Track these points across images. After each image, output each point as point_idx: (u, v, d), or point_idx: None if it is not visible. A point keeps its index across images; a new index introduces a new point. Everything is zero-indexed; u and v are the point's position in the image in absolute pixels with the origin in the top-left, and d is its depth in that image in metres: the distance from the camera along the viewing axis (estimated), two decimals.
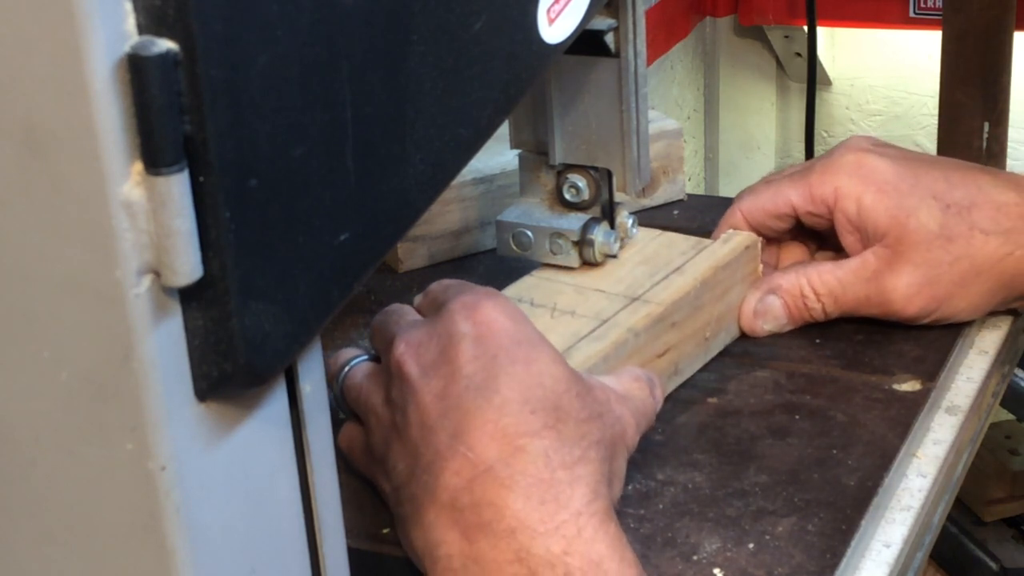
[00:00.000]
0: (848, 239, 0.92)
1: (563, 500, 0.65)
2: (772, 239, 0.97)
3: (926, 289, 0.90)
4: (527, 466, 0.66)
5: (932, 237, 0.89)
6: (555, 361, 0.70)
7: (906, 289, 0.90)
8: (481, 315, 0.70)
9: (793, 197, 0.94)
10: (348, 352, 0.78)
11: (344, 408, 0.77)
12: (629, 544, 0.67)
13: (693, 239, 0.93)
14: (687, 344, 0.88)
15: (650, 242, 0.93)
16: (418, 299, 0.80)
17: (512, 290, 0.88)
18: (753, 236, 0.93)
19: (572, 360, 0.78)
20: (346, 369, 0.76)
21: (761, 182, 0.97)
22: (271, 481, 0.53)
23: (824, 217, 0.93)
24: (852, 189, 0.91)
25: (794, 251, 0.99)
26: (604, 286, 0.88)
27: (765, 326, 0.93)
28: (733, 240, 0.92)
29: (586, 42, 0.83)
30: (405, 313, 0.77)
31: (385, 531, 0.74)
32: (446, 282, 0.79)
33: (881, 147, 0.94)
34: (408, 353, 0.70)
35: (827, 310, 0.92)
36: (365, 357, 0.77)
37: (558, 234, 0.89)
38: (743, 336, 0.93)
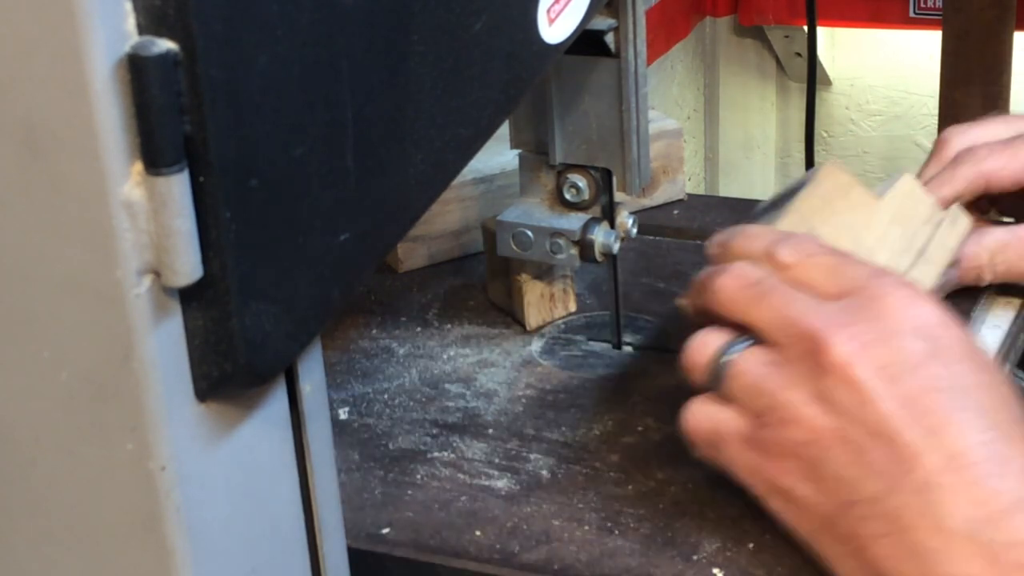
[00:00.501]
0: None
1: None
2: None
3: None
4: None
5: None
6: (993, 367, 0.66)
7: None
8: (927, 316, 0.65)
9: None
10: (713, 334, 0.70)
11: (725, 392, 0.68)
12: None
13: (930, 200, 0.86)
14: None
15: (895, 193, 0.85)
16: (759, 243, 0.71)
17: (789, 223, 0.78)
18: (970, 220, 0.88)
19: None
20: (732, 350, 0.68)
21: (983, 144, 0.91)
22: (271, 481, 0.53)
23: None
24: None
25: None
26: (870, 243, 0.81)
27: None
28: (961, 223, 0.87)
29: (586, 42, 0.83)
30: (779, 287, 0.68)
31: (385, 531, 0.74)
32: (829, 253, 0.70)
33: None
34: (857, 355, 0.64)
35: (1004, 273, 0.89)
36: (750, 341, 0.68)
37: (558, 234, 0.89)
38: None
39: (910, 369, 0.64)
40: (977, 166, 0.89)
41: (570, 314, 0.95)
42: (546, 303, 0.95)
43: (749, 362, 0.68)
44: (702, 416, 0.70)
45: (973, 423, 0.63)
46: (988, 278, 0.90)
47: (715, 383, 0.69)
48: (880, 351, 0.64)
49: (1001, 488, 0.61)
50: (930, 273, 0.83)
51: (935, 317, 0.66)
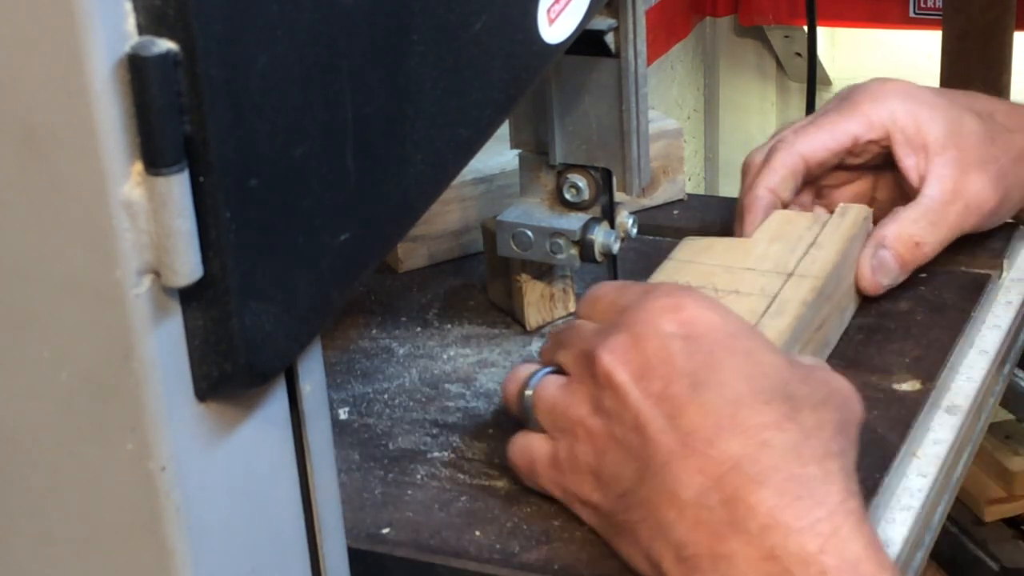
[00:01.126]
0: (908, 161, 0.96)
1: (818, 497, 0.64)
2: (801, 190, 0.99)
3: (999, 181, 0.96)
4: (777, 461, 0.64)
5: (981, 138, 0.96)
6: (771, 348, 0.70)
7: (984, 186, 0.95)
8: (686, 314, 0.69)
9: (853, 128, 0.96)
10: (524, 367, 0.76)
11: (535, 422, 0.74)
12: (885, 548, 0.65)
13: (808, 214, 0.96)
14: (834, 316, 0.89)
15: (769, 221, 0.94)
16: (583, 308, 0.78)
17: (661, 276, 0.89)
18: (867, 208, 0.95)
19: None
20: (533, 382, 0.74)
21: (787, 130, 0.99)
22: (271, 481, 0.53)
23: (880, 143, 0.96)
24: (907, 109, 0.96)
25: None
26: (751, 264, 0.89)
27: (884, 281, 0.94)
28: (851, 212, 0.94)
29: (586, 42, 0.83)
30: (581, 325, 0.75)
31: (385, 531, 0.74)
32: (612, 284, 0.78)
33: (903, 80, 1.01)
34: (615, 361, 0.69)
35: (939, 242, 0.95)
36: (548, 370, 0.75)
37: (558, 234, 0.89)
38: None
39: (658, 365, 0.68)
40: (788, 149, 0.96)
41: (570, 314, 0.95)
42: (546, 303, 0.95)
43: (547, 389, 0.74)
44: (520, 448, 0.75)
45: (711, 403, 0.67)
46: (931, 252, 0.95)
47: (524, 413, 0.75)
48: (634, 356, 0.69)
49: (727, 453, 0.65)
50: (826, 255, 0.89)
51: (692, 315, 0.70)
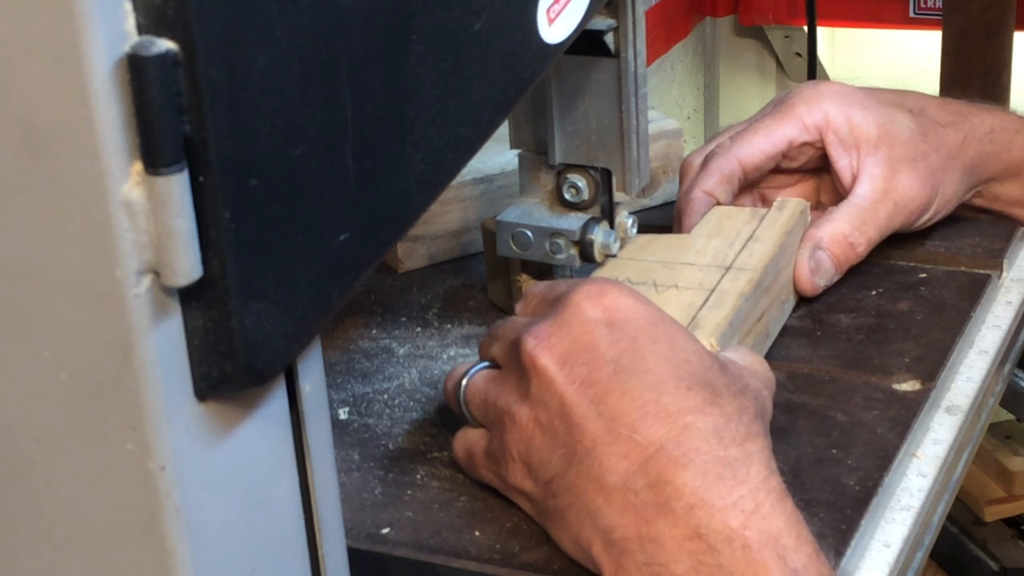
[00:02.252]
0: (842, 162, 0.97)
1: (740, 476, 0.66)
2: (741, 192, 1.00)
3: (928, 179, 0.97)
4: (699, 444, 0.66)
5: (913, 135, 0.98)
6: (691, 337, 0.71)
7: (912, 184, 0.96)
8: (609, 300, 0.71)
9: (788, 131, 0.98)
10: (463, 365, 0.77)
11: (471, 416, 0.75)
12: (806, 523, 0.67)
13: (747, 209, 0.97)
14: (773, 308, 0.91)
15: (708, 216, 0.96)
16: (519, 307, 0.80)
17: (602, 272, 0.90)
18: (804, 201, 0.97)
19: (702, 329, 0.80)
20: (466, 378, 0.75)
21: (725, 135, 1.01)
22: (271, 481, 0.53)
23: (815, 145, 0.98)
24: (840, 111, 0.98)
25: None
26: (690, 259, 0.90)
27: (821, 282, 0.95)
28: (789, 206, 0.95)
29: (586, 42, 0.83)
30: (514, 319, 0.77)
31: (385, 531, 0.74)
32: (547, 283, 0.79)
33: (835, 82, 1.03)
34: (539, 346, 0.70)
35: (869, 242, 0.96)
36: (483, 365, 0.76)
37: (558, 234, 0.89)
38: None
39: (582, 351, 0.69)
40: (725, 155, 0.98)
41: None
42: None
43: (479, 383, 0.75)
44: (460, 442, 0.76)
45: (634, 389, 0.68)
46: (864, 250, 0.97)
47: (461, 408, 0.76)
48: (558, 341, 0.70)
49: (651, 438, 0.66)
50: (764, 248, 0.90)
51: (616, 302, 0.71)
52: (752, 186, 1.01)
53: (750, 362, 0.76)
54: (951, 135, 1.00)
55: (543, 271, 0.93)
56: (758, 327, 0.87)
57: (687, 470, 0.65)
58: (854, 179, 0.97)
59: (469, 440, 0.76)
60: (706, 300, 0.84)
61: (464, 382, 0.75)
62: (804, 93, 1.00)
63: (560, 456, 0.69)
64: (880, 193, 0.96)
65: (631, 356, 0.69)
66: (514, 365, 0.72)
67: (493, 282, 0.97)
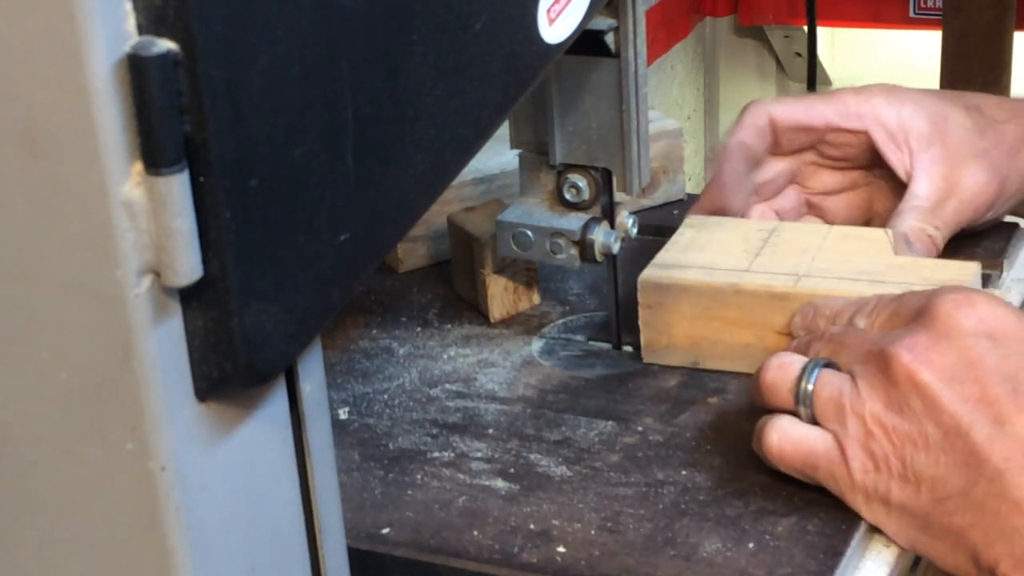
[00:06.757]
0: (893, 157, 0.96)
1: None
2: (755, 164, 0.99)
3: (992, 174, 0.95)
4: None
5: (970, 132, 0.96)
6: None
7: (977, 179, 0.95)
8: (981, 311, 0.70)
9: (828, 112, 0.97)
10: (787, 358, 0.76)
11: (808, 414, 0.74)
12: None
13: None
14: None
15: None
16: (860, 318, 0.78)
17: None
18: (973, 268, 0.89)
19: None
20: (811, 378, 0.74)
21: (772, 100, 0.99)
22: (271, 481, 0.53)
23: (854, 133, 0.96)
24: (890, 104, 0.96)
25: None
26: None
27: None
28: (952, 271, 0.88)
29: (586, 42, 0.83)
30: (861, 330, 0.76)
31: (385, 531, 0.74)
32: (891, 296, 0.78)
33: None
34: (918, 361, 0.70)
35: (945, 234, 0.94)
36: (823, 362, 0.75)
37: (558, 234, 0.89)
38: None
39: (968, 366, 0.69)
40: (758, 107, 0.97)
41: (534, 306, 0.97)
42: (510, 296, 0.96)
43: (831, 383, 0.73)
44: (796, 437, 0.74)
45: None
46: (942, 243, 0.95)
47: (799, 405, 0.74)
48: (938, 355, 0.70)
49: None
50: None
51: (988, 312, 0.71)
52: (784, 154, 0.99)
53: None
54: (1011, 131, 0.98)
55: (505, 264, 0.94)
56: None
57: None
58: (908, 176, 0.95)
59: (810, 438, 0.74)
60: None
61: (810, 384, 0.74)
62: (857, 87, 0.98)
63: (961, 475, 0.68)
64: (942, 192, 0.94)
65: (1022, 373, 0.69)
66: (876, 374, 0.71)
67: (459, 276, 0.98)
